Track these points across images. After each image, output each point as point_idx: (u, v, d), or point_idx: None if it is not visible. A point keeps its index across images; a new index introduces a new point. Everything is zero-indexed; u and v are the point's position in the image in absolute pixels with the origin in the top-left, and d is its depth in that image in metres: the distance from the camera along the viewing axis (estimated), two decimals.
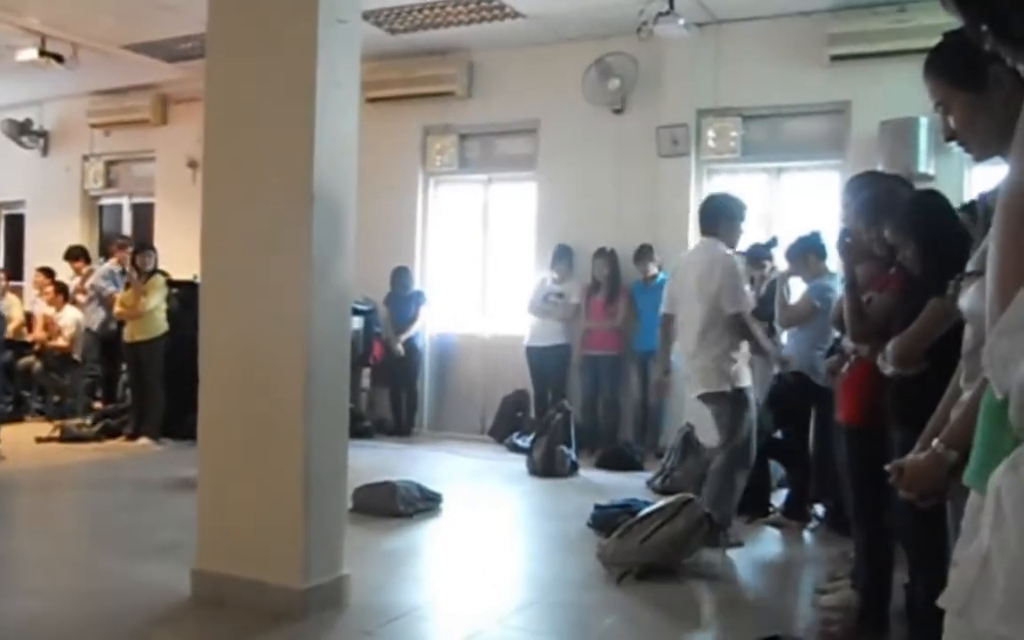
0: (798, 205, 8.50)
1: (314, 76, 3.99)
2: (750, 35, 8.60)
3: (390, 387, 10.02)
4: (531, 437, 8.20)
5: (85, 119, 12.25)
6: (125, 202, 12.76)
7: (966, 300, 1.76)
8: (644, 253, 8.70)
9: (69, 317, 10.08)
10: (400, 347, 9.67)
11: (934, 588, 1.64)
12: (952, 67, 1.88)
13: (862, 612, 3.89)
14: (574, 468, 7.83)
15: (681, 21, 8.05)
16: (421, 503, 6.18)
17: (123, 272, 9.80)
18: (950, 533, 2.64)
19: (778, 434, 6.22)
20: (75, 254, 10.74)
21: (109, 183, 12.73)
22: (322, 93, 4.02)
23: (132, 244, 9.83)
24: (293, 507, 4.00)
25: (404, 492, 6.11)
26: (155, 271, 8.77)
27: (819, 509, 6.04)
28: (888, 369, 3.26)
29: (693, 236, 8.90)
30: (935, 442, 2.02)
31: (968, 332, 1.92)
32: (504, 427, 9.43)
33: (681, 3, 7.93)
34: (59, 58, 9.67)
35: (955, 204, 3.60)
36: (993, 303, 1.04)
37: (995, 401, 1.00)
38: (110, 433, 8.83)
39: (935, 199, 3.54)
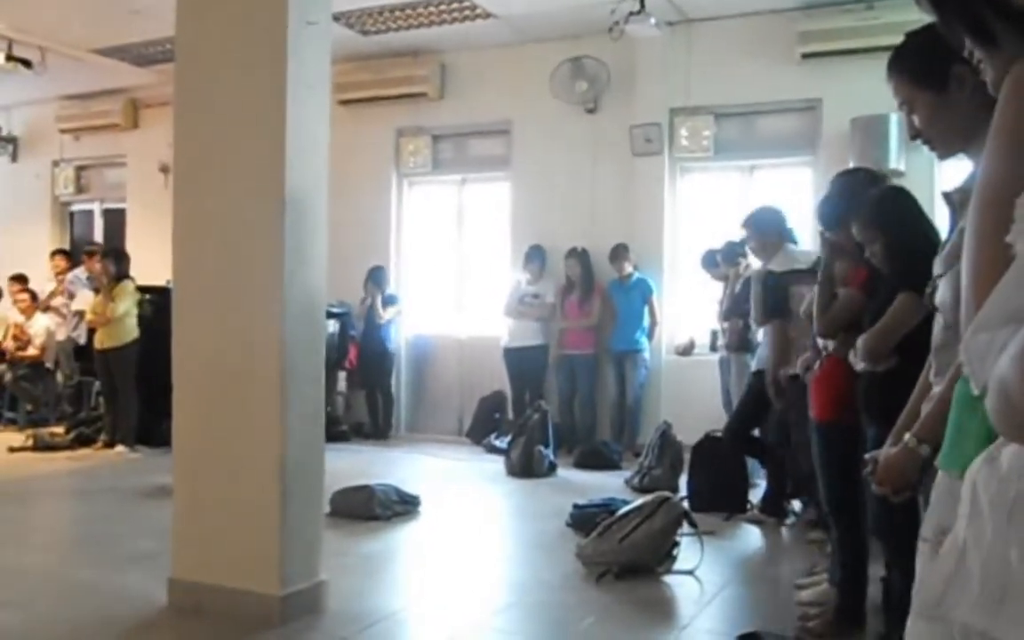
0: (771, 202, 8.51)
1: (284, 79, 3.97)
2: (721, 34, 8.65)
3: (366, 390, 9.99)
4: (509, 438, 8.20)
5: (54, 124, 12.14)
6: (96, 208, 12.65)
7: (938, 295, 1.77)
8: (619, 252, 8.72)
9: (40, 325, 9.99)
10: (382, 313, 9.61)
11: (910, 580, 1.65)
12: (915, 67, 1.90)
13: (839, 606, 3.92)
14: (552, 468, 7.83)
15: (652, 20, 8.07)
16: (399, 506, 6.16)
17: (92, 279, 9.76)
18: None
19: (755, 432, 6.24)
20: (62, 254, 10.73)
21: (80, 189, 12.62)
22: (293, 96, 3.99)
23: (99, 251, 9.79)
24: (270, 513, 3.97)
25: (382, 495, 6.09)
26: (124, 277, 8.68)
27: (796, 505, 6.07)
28: (859, 365, 3.29)
29: (668, 234, 8.98)
30: (907, 436, 2.04)
31: (937, 327, 1.94)
32: (481, 428, 9.42)
33: (652, 2, 7.94)
34: (27, 63, 9.58)
35: (922, 199, 3.63)
36: (968, 299, 1.04)
37: (968, 390, 1.01)
38: (84, 441, 8.74)
39: (902, 195, 3.58)
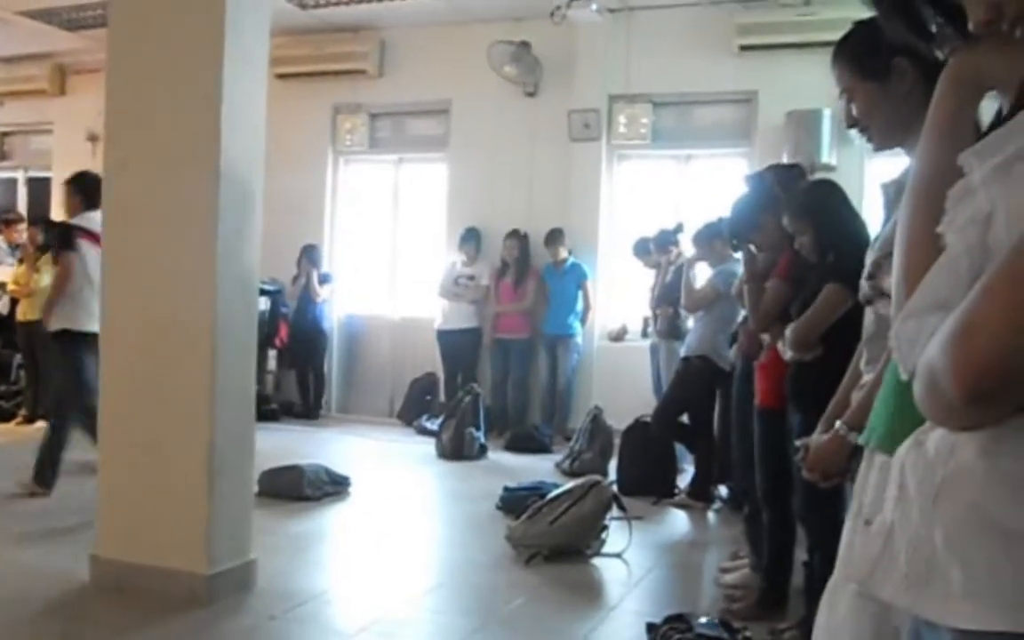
0: (706, 191, 8.65)
1: (222, 50, 3.89)
2: (662, 22, 8.69)
3: (297, 369, 9.88)
4: (440, 420, 8.19)
5: None
6: (20, 176, 12.26)
7: (887, 282, 1.81)
8: (555, 236, 8.74)
9: None
10: (319, 291, 9.53)
11: (831, 565, 1.69)
12: (858, 56, 1.92)
13: (764, 589, 4.01)
14: (483, 451, 7.85)
15: (594, 6, 8.10)
16: (329, 487, 6.11)
17: (16, 248, 9.46)
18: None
19: (683, 417, 6.33)
20: None
21: (3, 156, 12.24)
22: (229, 67, 3.92)
23: (21, 220, 9.50)
24: (198, 491, 3.92)
25: (311, 476, 6.04)
26: (50, 248, 8.45)
27: (723, 490, 6.17)
28: (787, 354, 3.36)
29: (604, 220, 9.03)
30: (838, 424, 2.09)
31: (868, 318, 1.98)
32: (413, 410, 9.40)
33: None
34: None
35: (852, 193, 3.72)
36: (899, 287, 1.07)
37: (898, 376, 1.04)
38: (4, 416, 8.52)
39: (831, 187, 3.67)
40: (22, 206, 11.79)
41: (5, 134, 12.20)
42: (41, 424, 8.14)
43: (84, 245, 5.84)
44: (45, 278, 8.25)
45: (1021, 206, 0.91)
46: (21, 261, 8.65)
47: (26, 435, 8.02)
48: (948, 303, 0.91)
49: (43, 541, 4.75)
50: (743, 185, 4.40)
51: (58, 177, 11.47)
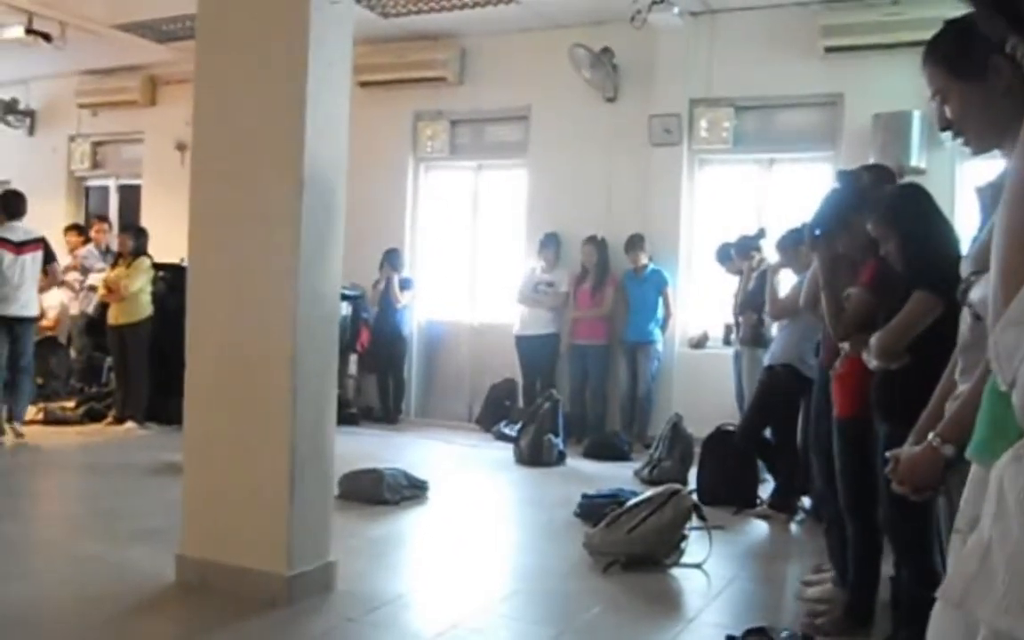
0: (789, 197, 8.49)
1: (306, 58, 3.95)
2: (744, 25, 8.58)
3: (377, 374, 9.98)
4: (519, 426, 8.18)
5: (72, 99, 12.14)
6: (112, 184, 12.66)
7: (977, 292, 1.74)
8: (635, 243, 8.68)
9: (54, 298, 10.00)
10: (400, 297, 9.63)
11: (920, 580, 1.63)
12: (951, 55, 1.85)
13: (849, 604, 3.90)
14: (561, 457, 7.82)
15: (675, 10, 8.02)
16: (408, 491, 6.16)
17: (107, 252, 9.76)
18: (943, 526, 2.64)
19: (767, 431, 6.21)
20: (76, 230, 10.74)
21: (96, 164, 12.62)
22: (314, 76, 3.97)
23: (108, 223, 9.81)
24: (279, 493, 3.97)
25: (391, 480, 6.08)
26: (142, 253, 8.70)
27: (806, 501, 6.04)
28: (872, 363, 3.26)
29: (685, 226, 8.94)
30: (931, 435, 2.00)
31: (964, 325, 1.90)
32: (492, 415, 9.41)
33: None
34: (47, 37, 9.58)
35: (942, 197, 3.60)
36: (996, 296, 1.02)
37: (995, 386, 0.99)
38: (94, 417, 8.77)
39: (918, 192, 3.55)
40: (113, 212, 12.18)
41: (98, 143, 12.59)
42: (130, 425, 8.41)
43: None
44: (136, 283, 8.50)
45: None
46: (114, 265, 8.91)
47: (115, 435, 8.27)
48: None
49: (131, 541, 4.87)
50: (835, 182, 4.27)
51: (148, 185, 11.86)
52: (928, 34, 1.95)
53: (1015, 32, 1.12)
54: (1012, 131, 1.66)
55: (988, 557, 1.00)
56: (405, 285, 9.76)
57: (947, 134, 1.91)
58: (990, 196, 1.77)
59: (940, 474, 1.95)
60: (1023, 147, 1.10)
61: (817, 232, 3.89)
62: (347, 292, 8.91)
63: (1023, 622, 0.93)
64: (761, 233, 7.16)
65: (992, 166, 1.91)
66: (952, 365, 2.03)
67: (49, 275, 8.00)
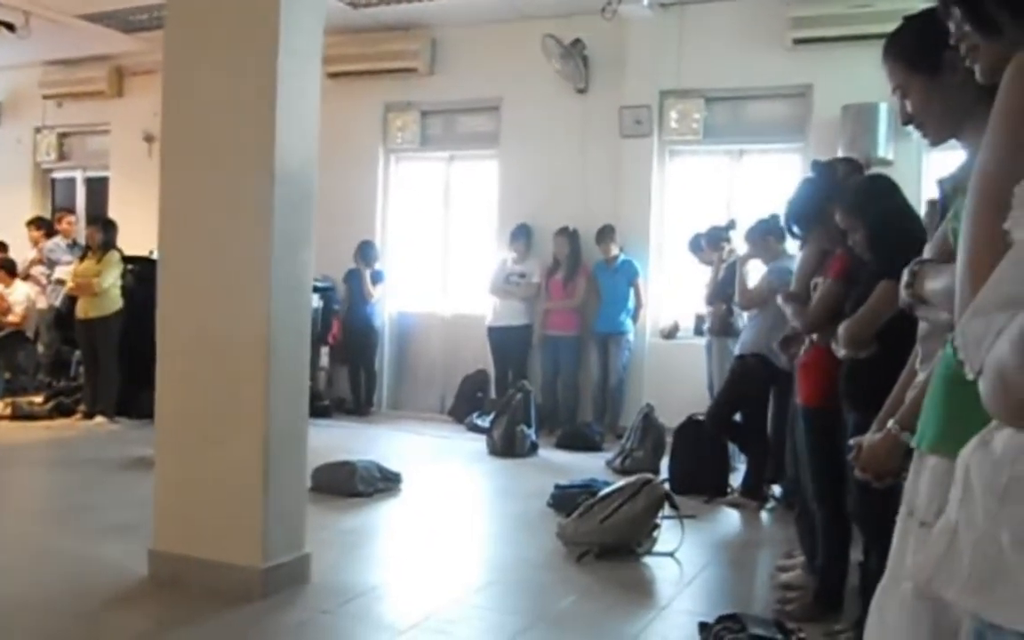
0: (759, 187, 8.56)
1: (276, 49, 3.92)
2: (713, 17, 8.63)
3: (349, 366, 9.96)
4: (491, 417, 8.20)
5: (37, 90, 11.99)
6: (79, 176, 12.52)
7: (937, 282, 1.77)
8: (606, 233, 8.71)
9: (20, 293, 9.90)
10: (372, 290, 9.59)
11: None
12: (910, 51, 1.90)
13: (819, 589, 3.95)
14: (534, 448, 7.85)
15: (645, 2, 8.06)
16: (380, 483, 6.16)
17: (74, 245, 9.66)
18: None
19: (737, 417, 6.27)
20: (38, 223, 10.60)
21: (62, 156, 12.47)
22: (284, 67, 3.95)
23: (70, 213, 9.70)
24: (253, 484, 3.96)
25: (363, 472, 6.08)
26: (111, 246, 8.62)
27: (776, 489, 6.10)
28: (840, 351, 3.30)
29: (656, 217, 8.98)
30: (891, 423, 2.05)
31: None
32: (464, 407, 9.42)
33: None
34: (10, 26, 9.46)
35: (909, 188, 3.65)
36: (964, 285, 1.05)
37: (958, 374, 1.02)
38: (64, 411, 8.69)
39: (885, 183, 3.59)
40: (80, 205, 12.05)
41: (64, 135, 12.44)
42: (100, 420, 8.34)
43: None
44: (107, 278, 8.42)
45: None
46: (82, 258, 8.81)
47: (86, 430, 8.19)
48: (1017, 300, 0.89)
49: (102, 536, 4.83)
50: (808, 172, 4.30)
51: (116, 177, 11.73)
52: (895, 26, 1.99)
53: (974, 27, 1.15)
54: (969, 122, 1.70)
55: (955, 541, 1.03)
56: (376, 278, 9.74)
57: (911, 127, 1.95)
58: (950, 187, 1.81)
59: (900, 461, 2.00)
60: (988, 138, 1.12)
61: (792, 229, 3.94)
62: (318, 284, 8.87)
63: (988, 602, 0.96)
64: (731, 224, 7.22)
65: (956, 159, 1.94)
66: (915, 355, 2.07)
67: None
